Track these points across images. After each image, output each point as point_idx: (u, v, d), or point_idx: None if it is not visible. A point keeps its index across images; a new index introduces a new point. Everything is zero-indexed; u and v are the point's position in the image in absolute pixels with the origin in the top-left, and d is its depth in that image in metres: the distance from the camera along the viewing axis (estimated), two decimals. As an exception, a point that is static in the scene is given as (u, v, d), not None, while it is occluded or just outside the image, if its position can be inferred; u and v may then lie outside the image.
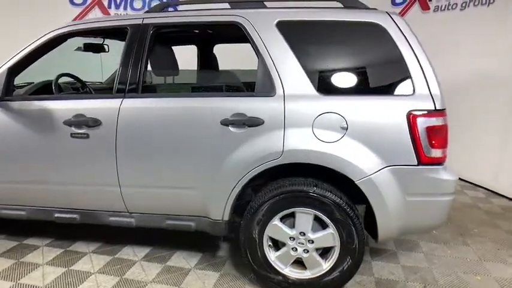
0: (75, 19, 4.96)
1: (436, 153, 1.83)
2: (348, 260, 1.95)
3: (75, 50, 2.65)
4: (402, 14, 4.68)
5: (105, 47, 2.83)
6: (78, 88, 2.78)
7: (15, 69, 2.21)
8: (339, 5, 2.07)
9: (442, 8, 4.37)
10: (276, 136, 1.89)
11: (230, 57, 3.22)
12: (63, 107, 2.11)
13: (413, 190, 1.86)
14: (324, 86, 1.91)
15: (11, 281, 2.15)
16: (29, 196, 2.28)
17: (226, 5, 2.14)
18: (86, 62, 3.86)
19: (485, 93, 3.81)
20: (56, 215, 2.29)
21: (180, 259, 2.46)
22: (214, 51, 3.20)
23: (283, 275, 2.04)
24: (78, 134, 2.07)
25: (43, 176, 2.20)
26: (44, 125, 2.12)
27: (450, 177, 1.87)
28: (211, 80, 2.40)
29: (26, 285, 2.12)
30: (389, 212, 1.88)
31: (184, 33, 2.33)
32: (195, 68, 3.15)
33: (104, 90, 2.97)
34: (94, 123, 2.04)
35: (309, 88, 1.90)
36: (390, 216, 1.89)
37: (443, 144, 1.84)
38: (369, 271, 2.32)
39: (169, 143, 2.00)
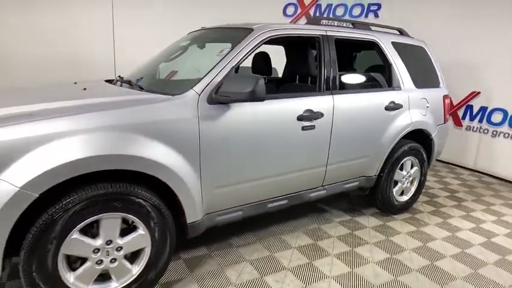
0: None
1: (447, 117, 3.61)
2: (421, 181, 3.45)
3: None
4: (292, 23, 6.28)
5: None
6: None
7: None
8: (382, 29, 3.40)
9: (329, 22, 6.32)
10: (407, 114, 3.08)
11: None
12: (296, 104, 2.36)
13: (441, 136, 3.57)
14: (414, 83, 3.24)
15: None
16: (249, 194, 2.31)
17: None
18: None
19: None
20: (269, 205, 2.45)
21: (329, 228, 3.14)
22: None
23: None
24: (308, 126, 2.41)
25: (270, 171, 2.33)
26: (280, 123, 2.29)
27: (448, 128, 3.72)
28: (368, 79, 3.08)
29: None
30: (436, 149, 3.52)
31: (345, 44, 2.89)
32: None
33: None
34: (321, 116, 2.47)
35: (412, 84, 3.20)
36: (436, 151, 3.53)
37: (449, 112, 3.64)
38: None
39: (359, 125, 2.75)
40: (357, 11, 6.11)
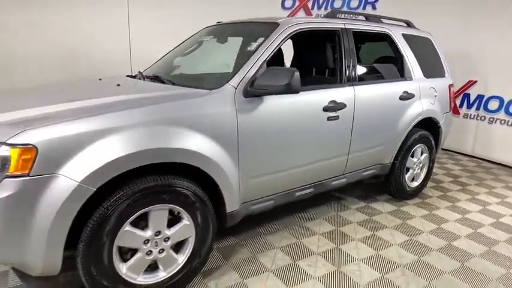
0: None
1: (452, 105, 3.77)
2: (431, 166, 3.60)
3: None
4: (291, 16, 6.34)
5: None
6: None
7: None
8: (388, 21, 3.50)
9: (322, 16, 6.40)
10: (418, 103, 3.21)
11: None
12: (321, 96, 2.45)
13: (447, 124, 3.72)
14: (423, 73, 3.37)
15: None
16: (281, 183, 2.39)
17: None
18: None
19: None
20: (297, 194, 2.54)
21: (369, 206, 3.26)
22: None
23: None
24: (333, 117, 2.51)
25: (300, 160, 2.42)
26: (309, 114, 2.37)
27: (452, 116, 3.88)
28: (383, 70, 3.16)
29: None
30: (444, 136, 3.67)
31: (357, 36, 2.96)
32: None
33: None
34: (344, 106, 2.56)
35: (421, 74, 3.32)
36: (443, 138, 3.69)
37: (453, 100, 3.79)
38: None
39: (377, 114, 2.86)
40: (354, 3, 6.21)
